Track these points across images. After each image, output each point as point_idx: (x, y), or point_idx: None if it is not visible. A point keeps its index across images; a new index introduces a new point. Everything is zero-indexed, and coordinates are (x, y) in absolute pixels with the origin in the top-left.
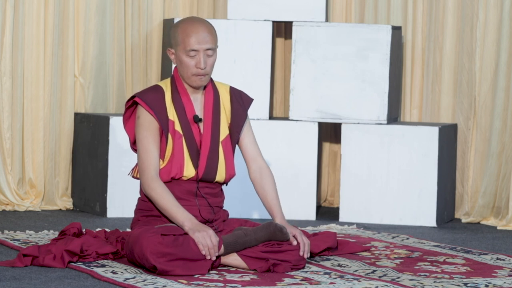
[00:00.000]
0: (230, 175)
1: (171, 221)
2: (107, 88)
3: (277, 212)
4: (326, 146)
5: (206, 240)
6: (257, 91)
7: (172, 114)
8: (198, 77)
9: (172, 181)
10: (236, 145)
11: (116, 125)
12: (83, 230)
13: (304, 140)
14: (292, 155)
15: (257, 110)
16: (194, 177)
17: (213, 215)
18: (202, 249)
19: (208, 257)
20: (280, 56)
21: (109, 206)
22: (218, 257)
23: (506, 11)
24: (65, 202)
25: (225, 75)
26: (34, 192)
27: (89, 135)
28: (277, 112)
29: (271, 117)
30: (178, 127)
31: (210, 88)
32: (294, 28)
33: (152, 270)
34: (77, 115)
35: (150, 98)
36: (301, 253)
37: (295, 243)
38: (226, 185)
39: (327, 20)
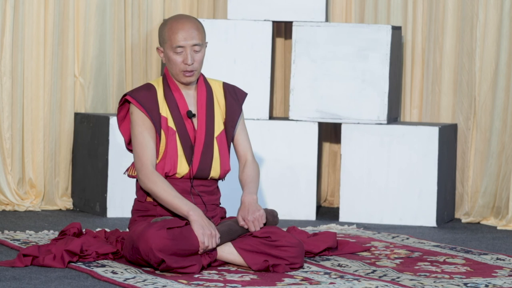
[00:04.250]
0: (225, 170)
1: (172, 214)
2: (107, 88)
3: (247, 188)
4: (326, 146)
5: (206, 239)
6: (257, 91)
7: (164, 110)
8: (186, 73)
9: (167, 179)
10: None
11: (116, 125)
12: (83, 230)
13: (304, 140)
14: (292, 155)
15: (257, 110)
16: (187, 175)
17: (205, 212)
18: (201, 247)
19: (201, 252)
20: (280, 56)
21: (109, 206)
22: (215, 248)
23: (506, 11)
24: (65, 202)
25: (225, 75)
26: (34, 192)
27: (89, 135)
28: (277, 112)
29: (271, 117)
30: (171, 124)
31: (202, 83)
32: (294, 28)
33: (156, 266)
34: (77, 115)
35: (141, 96)
36: (252, 229)
37: (242, 223)
38: (223, 180)
39: (327, 20)
